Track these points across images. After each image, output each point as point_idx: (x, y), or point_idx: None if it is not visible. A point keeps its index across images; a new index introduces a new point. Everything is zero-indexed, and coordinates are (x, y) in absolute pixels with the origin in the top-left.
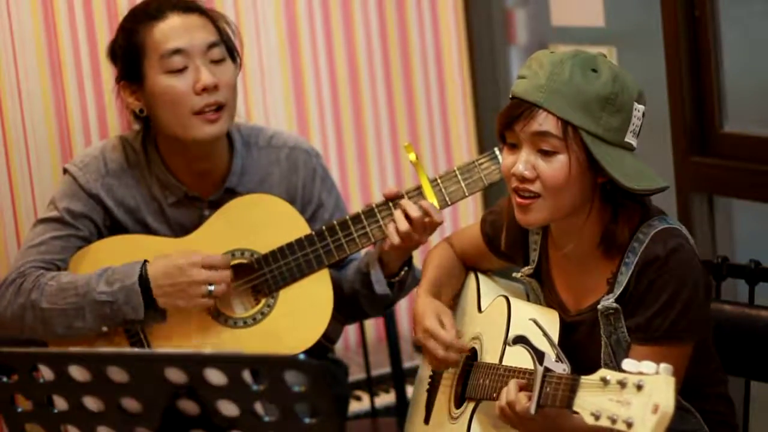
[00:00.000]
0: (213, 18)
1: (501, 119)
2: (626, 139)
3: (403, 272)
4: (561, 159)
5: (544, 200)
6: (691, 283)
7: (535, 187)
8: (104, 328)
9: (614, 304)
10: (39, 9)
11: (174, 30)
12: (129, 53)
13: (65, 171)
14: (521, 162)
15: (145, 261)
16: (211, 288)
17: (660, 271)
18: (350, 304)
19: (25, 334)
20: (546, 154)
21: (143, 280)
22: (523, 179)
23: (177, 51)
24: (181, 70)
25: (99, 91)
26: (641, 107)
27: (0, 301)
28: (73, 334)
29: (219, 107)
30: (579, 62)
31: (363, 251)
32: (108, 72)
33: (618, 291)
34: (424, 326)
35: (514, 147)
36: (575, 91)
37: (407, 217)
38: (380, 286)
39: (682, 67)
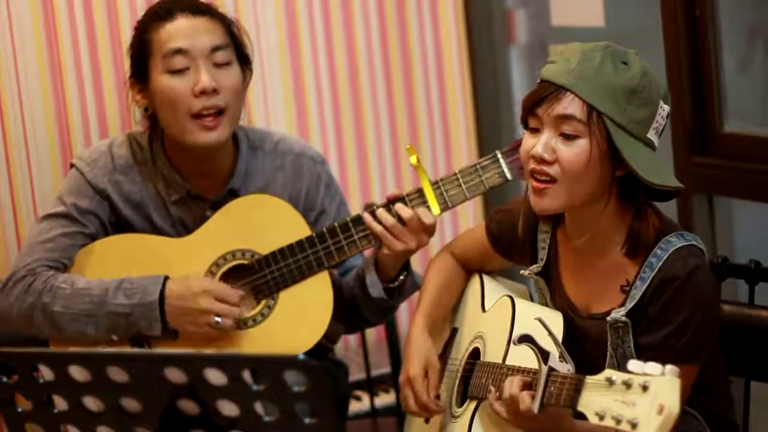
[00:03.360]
0: (224, 22)
1: (527, 100)
2: (648, 135)
3: (401, 277)
4: (582, 144)
5: (560, 186)
6: (707, 306)
7: (553, 170)
8: (114, 337)
9: (624, 318)
10: (39, 9)
11: (179, 31)
12: (137, 51)
13: (72, 165)
14: (541, 144)
15: (166, 278)
16: (219, 320)
17: (678, 291)
18: (351, 311)
19: (31, 332)
20: (567, 138)
21: (162, 297)
22: (541, 161)
23: (179, 51)
24: (181, 71)
25: (99, 91)
26: (666, 107)
27: (7, 297)
28: (81, 339)
29: (219, 111)
30: (611, 53)
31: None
32: (108, 72)
33: (630, 305)
34: (409, 374)
35: (536, 131)
36: (604, 79)
37: (401, 218)
38: (375, 289)
39: (682, 67)
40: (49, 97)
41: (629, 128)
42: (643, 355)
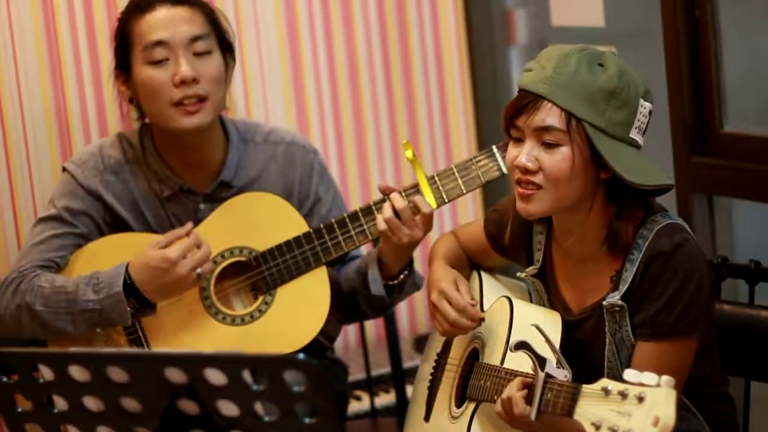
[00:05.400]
0: (204, 11)
1: (506, 111)
2: (631, 135)
3: (402, 275)
4: (564, 151)
5: (545, 192)
6: (697, 277)
7: (537, 179)
8: (98, 330)
9: (620, 302)
10: (39, 9)
11: (159, 22)
12: (120, 43)
13: (64, 169)
14: (524, 154)
15: (128, 265)
16: (199, 271)
17: (665, 265)
18: (349, 304)
19: (25, 334)
20: (549, 146)
21: (129, 285)
22: (525, 171)
23: (158, 42)
24: (161, 62)
25: (99, 91)
26: (648, 105)
27: (0, 301)
28: (65, 337)
29: (200, 100)
30: (586, 56)
31: (365, 250)
32: (108, 72)
33: (623, 288)
34: (440, 288)
35: (519, 141)
36: (580, 83)
37: (394, 209)
38: (376, 286)
39: (682, 67)
40: (49, 97)
41: (610, 131)
42: (638, 334)
